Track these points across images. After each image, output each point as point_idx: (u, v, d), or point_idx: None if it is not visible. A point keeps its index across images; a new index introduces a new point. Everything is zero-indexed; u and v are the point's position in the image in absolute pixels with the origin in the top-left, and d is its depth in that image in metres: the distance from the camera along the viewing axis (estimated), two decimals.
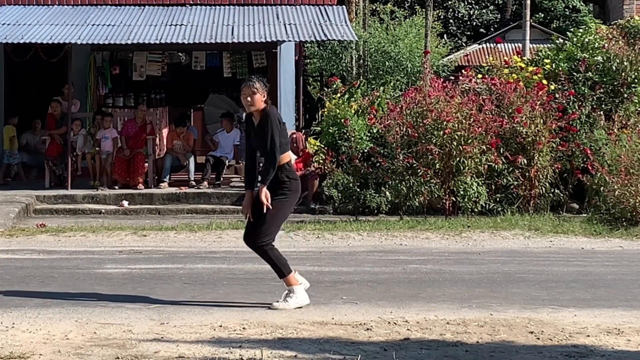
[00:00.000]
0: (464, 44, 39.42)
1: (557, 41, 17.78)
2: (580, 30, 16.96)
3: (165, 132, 18.53)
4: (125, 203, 15.97)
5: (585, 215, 14.54)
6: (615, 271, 9.90)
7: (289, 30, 17.69)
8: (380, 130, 15.27)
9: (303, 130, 18.46)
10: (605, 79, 15.83)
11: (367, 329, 6.89)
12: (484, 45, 36.19)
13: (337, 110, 16.26)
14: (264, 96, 7.83)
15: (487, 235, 12.70)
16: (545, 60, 16.39)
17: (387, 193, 14.99)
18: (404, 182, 14.39)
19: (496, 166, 14.54)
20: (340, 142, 15.77)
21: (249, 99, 7.79)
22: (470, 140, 14.21)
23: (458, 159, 14.22)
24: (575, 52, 16.33)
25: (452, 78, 17.38)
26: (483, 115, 14.47)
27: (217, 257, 10.75)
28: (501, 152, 14.63)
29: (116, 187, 16.92)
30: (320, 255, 10.95)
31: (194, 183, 17.11)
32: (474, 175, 14.36)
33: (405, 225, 13.50)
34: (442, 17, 37.39)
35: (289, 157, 7.83)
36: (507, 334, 6.77)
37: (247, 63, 19.73)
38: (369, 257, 10.75)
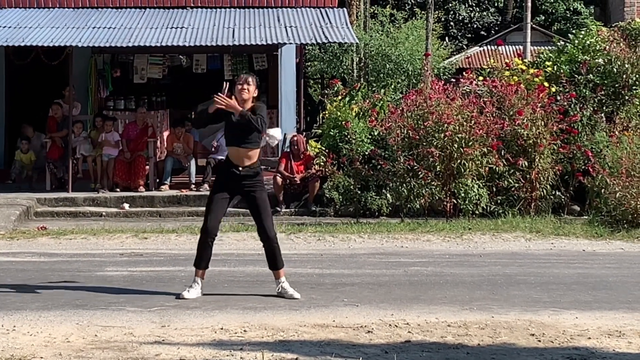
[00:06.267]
0: (464, 46, 39.47)
1: (558, 43, 17.78)
2: (582, 32, 16.95)
3: (166, 134, 18.53)
4: (126, 206, 15.96)
5: (586, 217, 14.53)
6: (617, 273, 9.89)
7: (289, 33, 17.69)
8: (381, 133, 15.28)
9: (304, 133, 18.46)
10: (606, 81, 15.83)
11: (368, 331, 6.89)
12: (485, 47, 36.24)
13: (338, 113, 16.25)
14: (256, 93, 8.30)
15: (488, 238, 12.70)
16: (547, 63, 16.39)
17: (388, 195, 14.99)
18: (404, 185, 14.39)
19: (497, 168, 14.53)
20: (341, 144, 15.77)
21: (247, 90, 8.16)
22: (471, 143, 14.21)
23: (459, 161, 14.22)
24: (577, 54, 16.33)
25: (453, 80, 17.39)
26: (484, 118, 14.47)
27: (217, 259, 10.70)
28: (502, 154, 14.62)
29: (117, 189, 16.92)
30: (321, 257, 10.94)
31: (194, 186, 17.10)
32: (475, 178, 14.36)
33: (406, 227, 13.50)
34: (442, 19, 37.44)
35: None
36: (508, 336, 6.77)
37: (248, 66, 19.71)
38: (370, 260, 10.75)
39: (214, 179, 17.04)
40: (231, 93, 8.20)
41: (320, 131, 17.91)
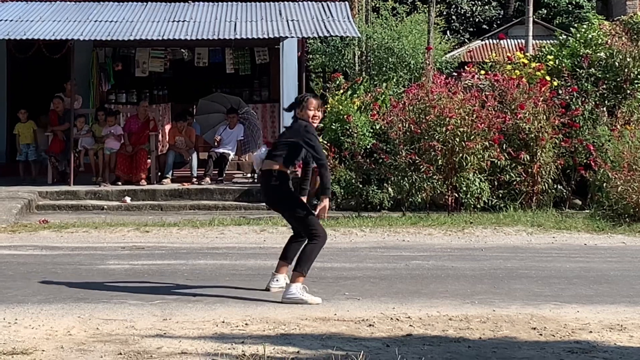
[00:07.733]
0: (466, 40, 39.43)
1: (560, 37, 17.76)
2: (584, 26, 16.93)
3: (167, 128, 18.51)
4: (128, 199, 15.96)
5: (587, 211, 14.54)
6: (618, 267, 9.89)
7: (291, 27, 17.66)
8: (383, 127, 15.28)
9: None
10: (608, 75, 15.82)
11: (370, 325, 6.90)
12: (487, 41, 36.21)
13: (340, 107, 16.24)
14: None
15: (490, 232, 12.70)
16: (548, 57, 16.37)
17: (390, 189, 14.98)
18: (406, 178, 14.39)
19: (499, 162, 14.53)
20: (342, 138, 15.77)
21: (319, 117, 8.09)
22: (472, 137, 14.21)
23: (461, 155, 14.22)
24: (578, 48, 16.31)
25: (455, 74, 17.37)
26: (486, 112, 14.47)
27: (219, 253, 10.75)
28: (504, 148, 14.63)
29: (119, 183, 16.91)
30: (322, 251, 10.92)
31: (196, 179, 17.10)
32: (477, 172, 14.36)
33: (407, 221, 13.50)
34: (444, 13, 37.41)
35: None
36: (509, 330, 6.78)
37: (249, 59, 19.71)
38: (372, 253, 10.75)
39: (215, 172, 17.29)
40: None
41: (322, 125, 17.89)
